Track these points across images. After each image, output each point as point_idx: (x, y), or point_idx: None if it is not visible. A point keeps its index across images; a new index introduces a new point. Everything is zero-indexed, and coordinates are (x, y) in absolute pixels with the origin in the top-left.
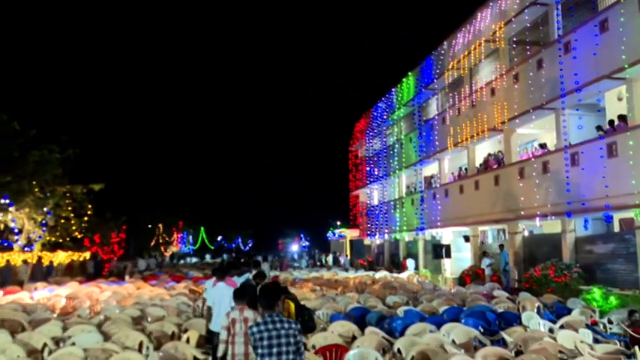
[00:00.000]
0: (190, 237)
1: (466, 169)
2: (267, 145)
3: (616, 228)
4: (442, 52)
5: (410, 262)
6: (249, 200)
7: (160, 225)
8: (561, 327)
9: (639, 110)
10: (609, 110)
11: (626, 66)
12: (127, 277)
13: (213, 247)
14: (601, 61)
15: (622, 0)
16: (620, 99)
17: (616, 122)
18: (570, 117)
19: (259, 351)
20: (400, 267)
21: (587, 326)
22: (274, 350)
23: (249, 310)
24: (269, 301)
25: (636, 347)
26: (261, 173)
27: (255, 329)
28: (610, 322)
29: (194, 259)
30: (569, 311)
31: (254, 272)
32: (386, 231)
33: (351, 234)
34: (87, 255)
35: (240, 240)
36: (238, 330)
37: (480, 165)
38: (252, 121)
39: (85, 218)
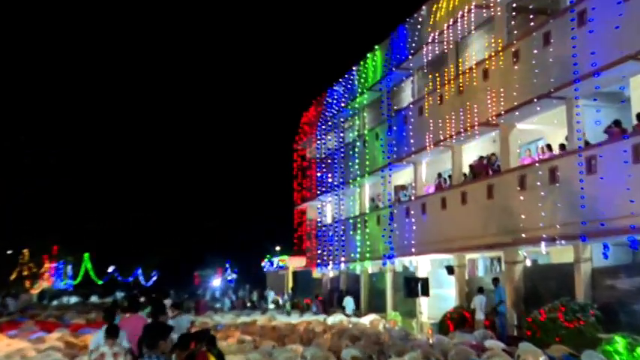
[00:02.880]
0: (69, 268)
1: (450, 176)
2: (179, 139)
3: None
4: (420, 19)
5: (348, 302)
6: (153, 217)
7: (25, 251)
8: None
9: None
10: (636, 101)
11: None
12: None
13: (101, 282)
14: (625, 37)
15: None
16: None
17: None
18: (586, 109)
19: None
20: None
21: None
22: None
23: (118, 345)
24: (152, 341)
25: None
26: (169, 179)
27: None
28: None
29: (74, 299)
30: None
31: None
32: (342, 259)
33: (294, 263)
34: None
35: (140, 272)
36: None
37: (469, 171)
38: (161, 100)
39: None
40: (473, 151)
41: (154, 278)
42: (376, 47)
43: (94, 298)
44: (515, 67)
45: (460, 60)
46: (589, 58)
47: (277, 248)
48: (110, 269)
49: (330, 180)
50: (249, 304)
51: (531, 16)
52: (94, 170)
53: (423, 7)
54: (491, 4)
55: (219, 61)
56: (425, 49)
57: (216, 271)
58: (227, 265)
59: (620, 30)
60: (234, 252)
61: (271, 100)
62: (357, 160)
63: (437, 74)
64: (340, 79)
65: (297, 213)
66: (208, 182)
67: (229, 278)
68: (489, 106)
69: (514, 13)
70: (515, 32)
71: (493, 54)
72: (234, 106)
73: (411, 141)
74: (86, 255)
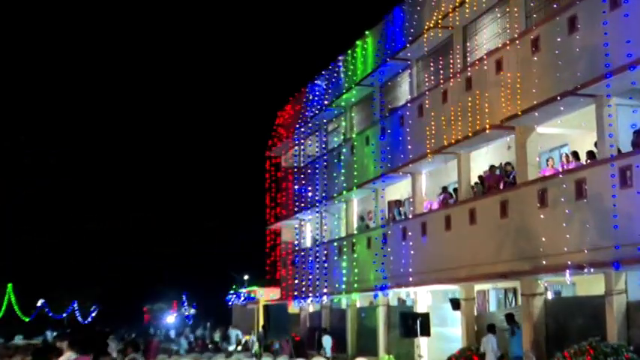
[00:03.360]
0: None
1: (455, 189)
2: (128, 142)
3: None
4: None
5: (326, 341)
6: (92, 238)
7: None
8: None
9: None
10: None
11: None
12: None
13: (28, 319)
14: None
15: None
16: None
17: None
18: (620, 109)
19: None
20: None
21: None
22: None
23: None
24: None
25: None
26: (115, 192)
27: None
28: None
29: None
30: None
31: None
32: (325, 291)
33: (266, 296)
34: None
35: (76, 306)
36: None
37: (478, 184)
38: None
39: None
40: (483, 159)
41: (94, 314)
42: (367, 33)
43: (18, 339)
44: (535, 59)
45: (468, 49)
46: (624, 48)
47: (245, 277)
48: (39, 303)
49: (310, 194)
50: (210, 346)
51: None
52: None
53: None
54: None
55: (186, 51)
56: (426, 36)
57: (170, 305)
58: (184, 298)
59: None
60: (193, 281)
61: (239, 95)
62: (343, 170)
63: (440, 66)
64: (323, 72)
65: (269, 234)
66: (163, 202)
67: (187, 314)
68: (503, 105)
69: None
70: (535, 16)
71: (508, 42)
72: (196, 103)
73: (409, 147)
74: (9, 286)
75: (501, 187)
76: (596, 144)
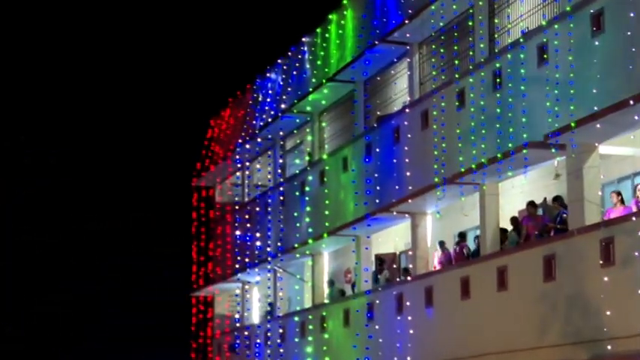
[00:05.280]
0: None
1: (477, 237)
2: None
3: None
4: None
5: None
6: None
7: None
8: None
9: None
10: None
11: None
12: None
13: None
14: None
15: None
16: None
17: None
18: None
19: None
20: None
21: None
22: None
23: None
24: None
25: None
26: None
27: None
28: None
29: None
30: None
31: None
32: None
33: None
34: None
35: None
36: None
37: (512, 231)
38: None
39: None
40: (518, 193)
41: None
42: (345, 3)
43: None
44: (596, 44)
45: (497, 28)
46: None
47: None
48: None
49: (258, 244)
50: None
51: None
52: None
53: None
54: None
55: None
56: (433, 8)
57: None
58: None
59: None
60: None
61: (152, 93)
62: (308, 209)
63: (454, 53)
64: (279, 60)
65: (196, 303)
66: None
67: None
68: (549, 112)
69: None
70: None
71: (554, 21)
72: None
73: (407, 173)
74: None
75: (552, 234)
76: None
